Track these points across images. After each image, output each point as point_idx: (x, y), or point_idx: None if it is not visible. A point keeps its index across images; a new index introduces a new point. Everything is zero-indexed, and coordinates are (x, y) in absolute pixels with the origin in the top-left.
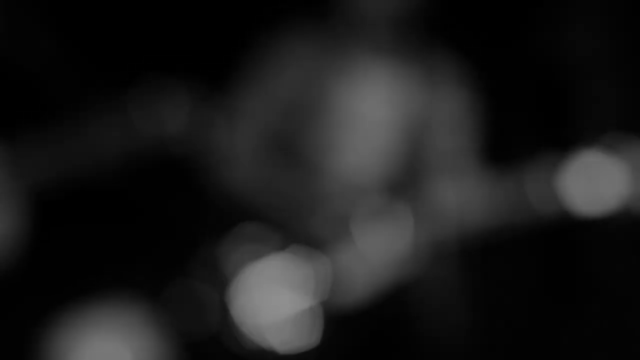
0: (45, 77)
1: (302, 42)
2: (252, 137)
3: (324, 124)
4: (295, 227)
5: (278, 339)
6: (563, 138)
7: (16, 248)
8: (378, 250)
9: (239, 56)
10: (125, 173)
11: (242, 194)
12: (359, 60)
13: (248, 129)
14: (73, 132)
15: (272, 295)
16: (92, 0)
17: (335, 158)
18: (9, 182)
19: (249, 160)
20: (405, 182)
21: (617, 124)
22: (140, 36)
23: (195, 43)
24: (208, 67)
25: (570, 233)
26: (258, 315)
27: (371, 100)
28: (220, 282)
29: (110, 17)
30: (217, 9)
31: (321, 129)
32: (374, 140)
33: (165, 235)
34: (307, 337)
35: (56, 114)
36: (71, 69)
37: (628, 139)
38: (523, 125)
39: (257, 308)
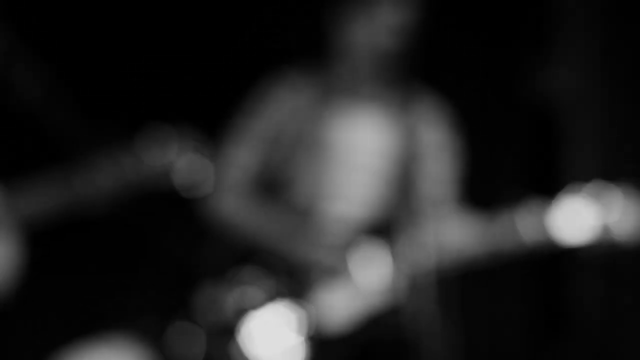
0: (53, 121)
1: (297, 84)
2: (242, 176)
3: (315, 164)
4: (287, 266)
5: None
6: (550, 182)
7: (13, 283)
8: (367, 282)
9: (234, 98)
10: (123, 213)
11: (232, 230)
12: (351, 104)
13: (238, 169)
14: (75, 169)
15: (268, 333)
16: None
17: (327, 199)
18: (6, 216)
19: (237, 198)
20: (393, 219)
21: (598, 170)
22: (144, 85)
23: (193, 87)
24: (204, 110)
25: (554, 260)
26: (255, 350)
27: (362, 142)
28: (218, 324)
29: (120, 67)
30: (212, 60)
31: (313, 169)
32: (364, 179)
33: (164, 277)
34: None
35: (60, 152)
36: (75, 111)
37: (604, 185)
38: (513, 170)
39: (253, 345)
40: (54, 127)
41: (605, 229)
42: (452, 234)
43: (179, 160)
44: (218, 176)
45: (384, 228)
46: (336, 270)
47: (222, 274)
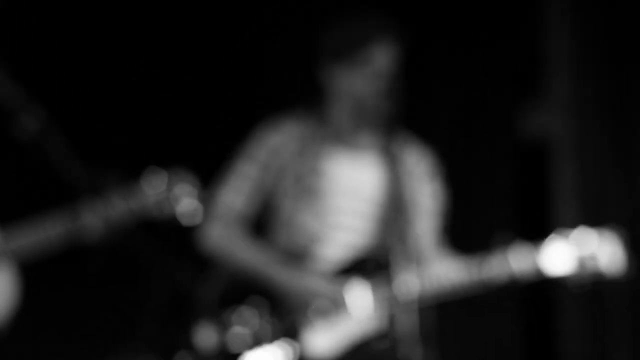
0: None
1: (289, 130)
2: (231, 212)
3: (307, 208)
4: (277, 304)
5: None
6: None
7: (7, 318)
8: (358, 309)
9: (231, 143)
10: (122, 248)
11: (221, 258)
12: (343, 149)
13: (227, 206)
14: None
15: None
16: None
17: (318, 242)
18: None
19: (225, 228)
20: (384, 254)
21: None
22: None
23: (191, 132)
24: (201, 155)
25: (542, 294)
26: None
27: (353, 186)
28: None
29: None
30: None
31: (304, 212)
32: (355, 223)
33: (163, 315)
34: None
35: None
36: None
37: (589, 228)
38: (500, 212)
39: None
40: (55, 166)
41: (589, 263)
42: (441, 265)
43: (177, 203)
44: (208, 211)
45: (376, 261)
46: (327, 297)
47: (216, 313)
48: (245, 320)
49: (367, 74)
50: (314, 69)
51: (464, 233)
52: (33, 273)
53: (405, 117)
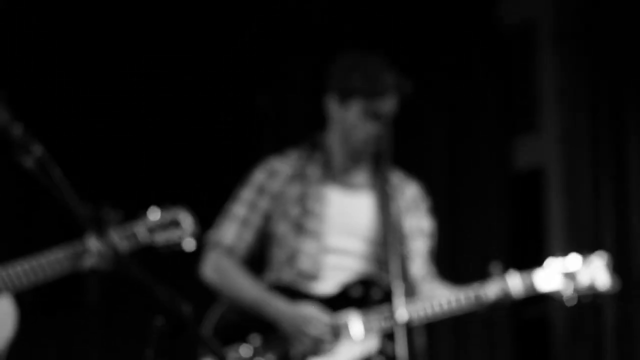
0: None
1: (284, 170)
2: (227, 247)
3: (299, 246)
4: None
5: None
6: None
7: (8, 340)
8: (357, 332)
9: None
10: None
11: (218, 286)
12: (337, 188)
13: (224, 242)
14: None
15: None
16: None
17: (310, 279)
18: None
19: (221, 258)
20: (378, 283)
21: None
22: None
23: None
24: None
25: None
26: None
27: (346, 225)
28: None
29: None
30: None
31: (296, 249)
32: (346, 261)
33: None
34: None
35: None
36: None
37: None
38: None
39: None
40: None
41: (577, 279)
42: (434, 289)
43: (175, 238)
44: (206, 245)
45: (371, 286)
46: (323, 322)
47: (216, 349)
48: (244, 356)
49: (364, 115)
50: (320, 92)
51: (458, 261)
52: (32, 299)
53: (401, 148)
